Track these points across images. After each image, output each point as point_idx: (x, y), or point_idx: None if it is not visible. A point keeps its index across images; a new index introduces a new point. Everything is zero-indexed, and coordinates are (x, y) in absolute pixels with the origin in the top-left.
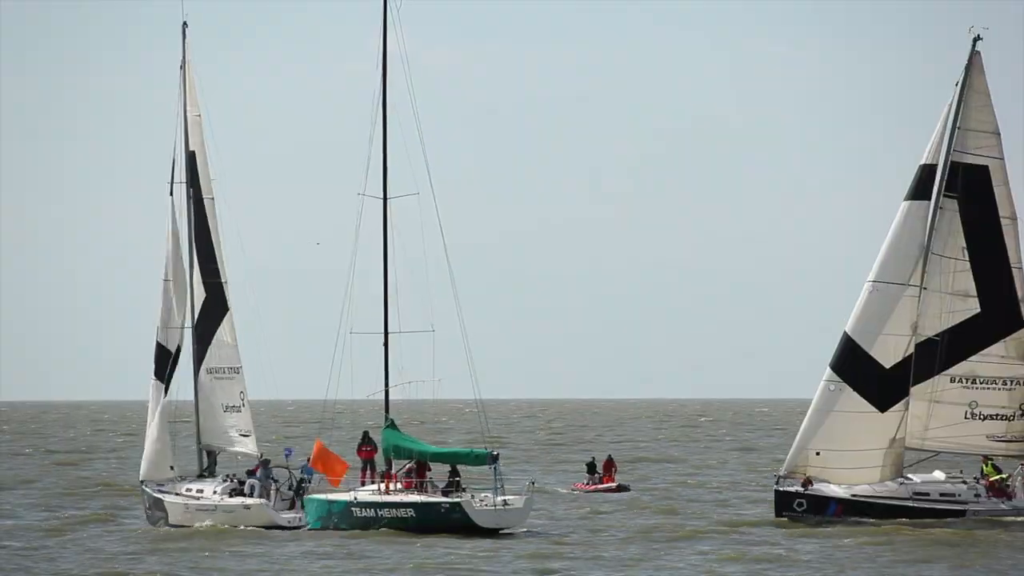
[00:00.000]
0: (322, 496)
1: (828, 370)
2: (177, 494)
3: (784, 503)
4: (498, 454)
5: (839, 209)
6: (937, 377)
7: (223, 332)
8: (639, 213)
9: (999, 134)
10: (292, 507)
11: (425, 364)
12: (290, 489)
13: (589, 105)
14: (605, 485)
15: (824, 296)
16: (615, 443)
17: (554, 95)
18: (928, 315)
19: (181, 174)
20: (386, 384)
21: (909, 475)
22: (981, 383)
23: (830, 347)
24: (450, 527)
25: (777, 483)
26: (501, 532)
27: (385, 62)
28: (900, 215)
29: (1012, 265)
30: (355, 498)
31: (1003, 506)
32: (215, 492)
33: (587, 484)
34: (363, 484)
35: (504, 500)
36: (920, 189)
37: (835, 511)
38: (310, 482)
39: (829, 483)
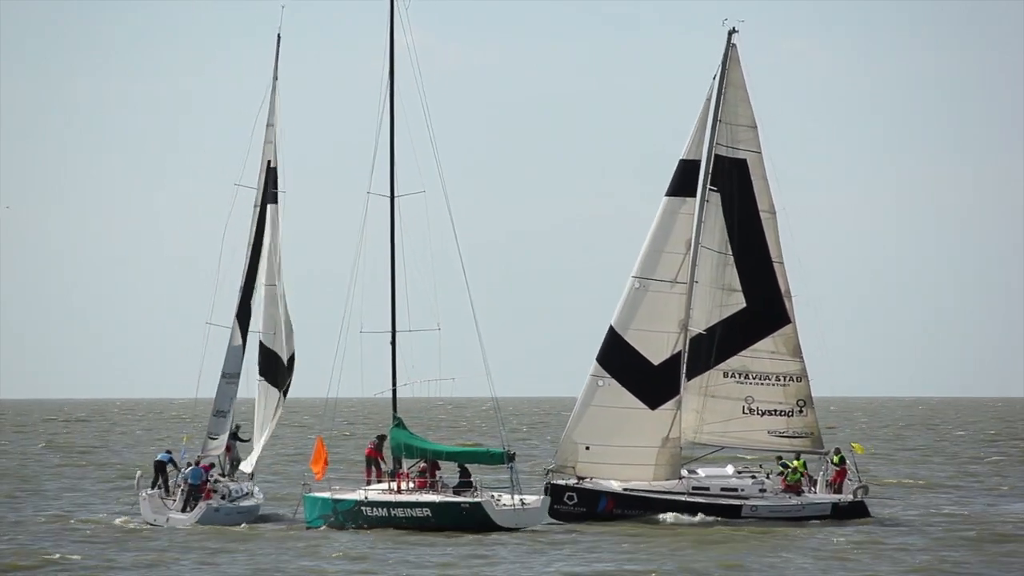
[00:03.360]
0: (325, 495)
1: (595, 364)
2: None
3: (555, 497)
4: (515, 454)
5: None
6: (710, 372)
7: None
8: (643, 210)
9: (756, 127)
10: (185, 508)
11: (434, 362)
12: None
13: (596, 101)
14: None
15: (844, 293)
16: None
17: (559, 92)
18: (700, 309)
19: (271, 182)
20: (393, 383)
21: (697, 469)
22: (754, 378)
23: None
24: (469, 527)
25: (546, 476)
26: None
27: (392, 60)
28: (660, 211)
29: (773, 260)
30: (365, 497)
31: (791, 502)
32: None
33: None
34: (368, 483)
35: (522, 500)
36: (681, 184)
37: (605, 506)
38: (202, 483)
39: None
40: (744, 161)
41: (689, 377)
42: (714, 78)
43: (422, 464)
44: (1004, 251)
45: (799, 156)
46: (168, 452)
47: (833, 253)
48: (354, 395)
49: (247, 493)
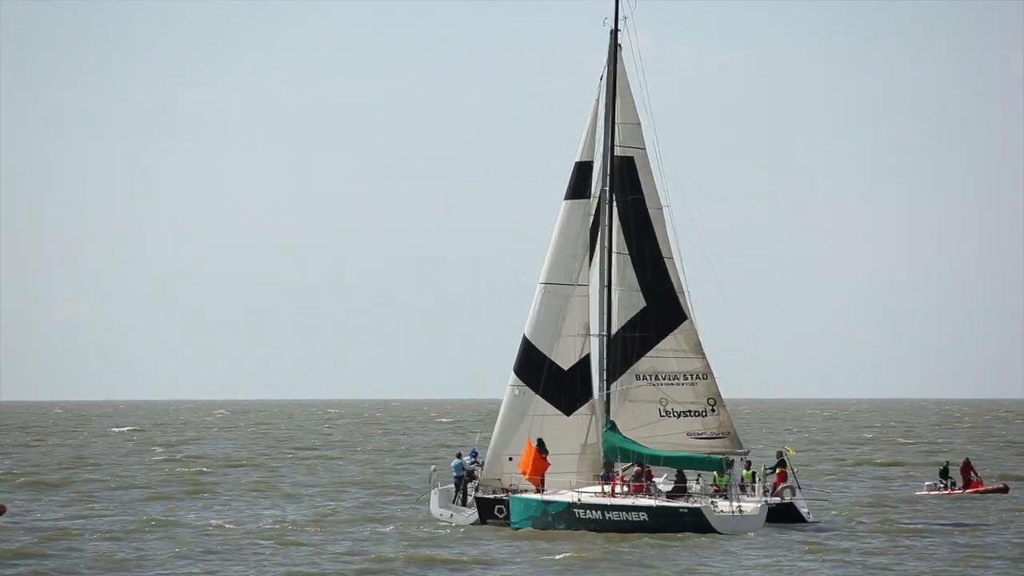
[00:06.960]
0: (534, 496)
1: (512, 374)
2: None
3: (486, 510)
4: (732, 460)
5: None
6: (624, 375)
7: None
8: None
9: (640, 124)
10: (463, 502)
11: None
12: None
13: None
14: (972, 490)
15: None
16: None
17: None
18: (611, 312)
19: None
20: (607, 386)
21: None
22: (664, 379)
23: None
24: (687, 532)
25: (477, 490)
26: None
27: (615, 63)
28: (561, 215)
29: (664, 256)
30: (579, 499)
31: None
32: None
33: (942, 489)
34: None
35: (739, 507)
36: (577, 187)
37: None
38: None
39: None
40: (631, 159)
41: (609, 383)
42: (601, 79)
43: (636, 468)
44: (1005, 251)
45: (801, 155)
46: (474, 452)
47: (834, 252)
48: None
49: None
